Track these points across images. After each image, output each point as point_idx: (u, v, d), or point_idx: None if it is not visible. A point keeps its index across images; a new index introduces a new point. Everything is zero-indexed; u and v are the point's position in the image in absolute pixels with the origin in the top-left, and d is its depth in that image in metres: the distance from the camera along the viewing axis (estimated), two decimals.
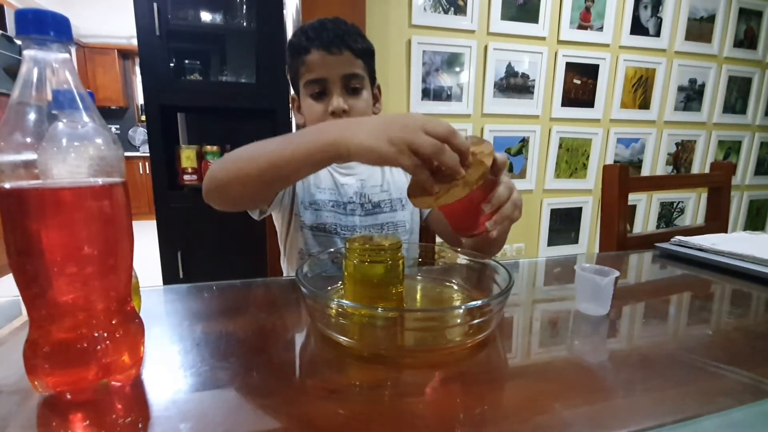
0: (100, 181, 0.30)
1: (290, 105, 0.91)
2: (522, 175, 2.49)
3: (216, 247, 1.99)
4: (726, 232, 0.92)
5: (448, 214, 0.52)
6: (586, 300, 0.47)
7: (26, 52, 0.30)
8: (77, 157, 0.30)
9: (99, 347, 0.31)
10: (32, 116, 0.29)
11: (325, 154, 0.48)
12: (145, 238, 2.08)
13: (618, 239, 0.82)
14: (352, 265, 0.44)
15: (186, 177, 1.93)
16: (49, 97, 0.31)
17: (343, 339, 0.38)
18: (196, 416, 0.30)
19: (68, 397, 0.31)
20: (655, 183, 1.04)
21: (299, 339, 0.43)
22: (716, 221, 0.94)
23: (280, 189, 0.75)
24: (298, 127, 2.04)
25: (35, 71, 0.30)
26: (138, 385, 0.34)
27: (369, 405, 0.32)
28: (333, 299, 0.39)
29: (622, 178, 0.80)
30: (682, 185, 0.95)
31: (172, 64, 1.83)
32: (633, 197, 2.76)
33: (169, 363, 0.38)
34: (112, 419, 0.29)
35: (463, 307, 0.37)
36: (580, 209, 2.68)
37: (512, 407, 0.32)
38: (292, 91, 0.89)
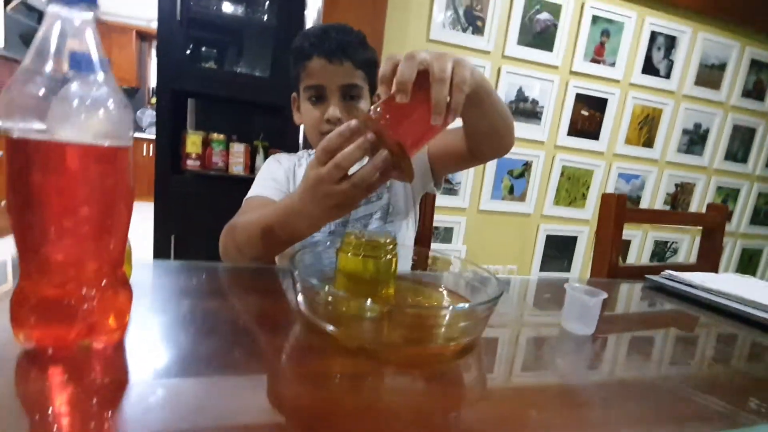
0: (106, 142, 0.30)
1: (291, 104, 0.93)
2: (522, 198, 2.51)
3: (210, 234, 1.97)
4: (716, 273, 0.93)
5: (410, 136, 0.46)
6: (573, 319, 0.47)
7: (50, 8, 0.30)
8: (87, 117, 0.30)
9: (86, 306, 0.31)
10: (47, 72, 0.30)
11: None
12: (141, 219, 2.07)
13: (609, 267, 0.82)
14: (345, 258, 0.44)
15: (189, 162, 1.93)
16: (67, 56, 0.32)
17: (330, 328, 0.38)
18: (172, 386, 0.30)
19: (49, 352, 0.31)
20: (650, 216, 1.05)
21: (285, 325, 0.44)
22: (707, 262, 0.95)
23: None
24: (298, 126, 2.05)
25: (56, 28, 0.30)
26: (119, 350, 0.34)
27: (348, 394, 0.32)
28: (324, 286, 0.39)
29: (620, 207, 0.81)
30: (677, 221, 0.97)
31: (188, 51, 1.85)
32: (628, 233, 2.78)
33: (152, 333, 0.37)
34: (89, 378, 0.29)
35: (450, 307, 0.37)
36: (575, 238, 2.69)
37: (487, 411, 0.32)
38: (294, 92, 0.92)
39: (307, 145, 1.25)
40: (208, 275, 0.55)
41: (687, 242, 2.89)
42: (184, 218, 1.93)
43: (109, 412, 0.26)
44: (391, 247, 0.45)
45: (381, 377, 0.35)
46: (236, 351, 0.36)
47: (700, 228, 2.88)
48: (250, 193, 0.84)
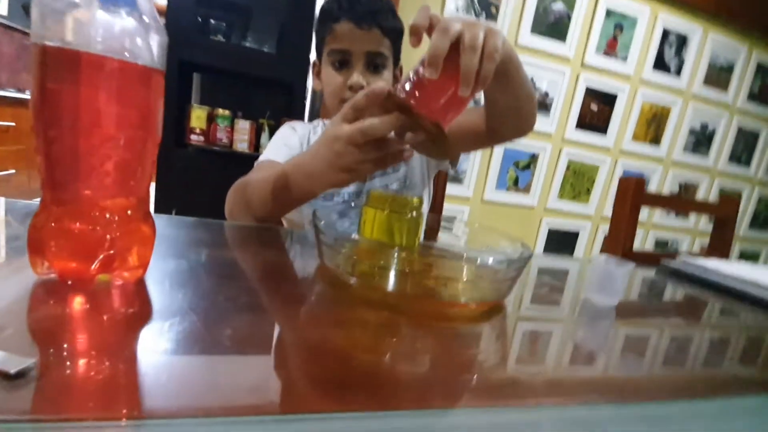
0: (140, 61, 0.28)
1: (311, 69, 0.90)
2: (527, 189, 2.49)
3: (213, 209, 1.96)
4: None
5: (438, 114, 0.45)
6: (599, 289, 0.46)
7: None
8: (122, 35, 0.28)
9: (109, 237, 0.29)
10: None
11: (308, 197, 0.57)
12: None
13: (623, 253, 0.81)
14: (371, 213, 0.43)
15: (193, 137, 1.91)
16: None
17: (353, 280, 0.37)
18: (192, 321, 0.28)
19: (68, 283, 0.29)
20: (666, 202, 1.05)
21: (308, 277, 0.42)
22: (718, 253, 0.94)
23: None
24: (314, 94, 2.03)
25: None
26: (141, 288, 0.32)
27: (373, 340, 0.31)
28: (351, 235, 0.37)
29: (637, 190, 0.80)
30: (691, 209, 0.96)
31: (196, 23, 1.81)
32: None
33: (172, 275, 0.36)
34: (108, 308, 0.28)
35: (478, 260, 0.36)
36: (576, 234, 2.69)
37: (506, 372, 0.31)
38: (313, 56, 0.89)
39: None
40: (224, 231, 0.54)
41: (687, 243, 2.90)
42: (186, 193, 1.90)
43: (126, 349, 0.24)
44: (417, 205, 0.43)
45: (402, 328, 0.34)
46: (259, 296, 0.35)
47: (701, 230, 2.85)
48: (262, 157, 0.83)
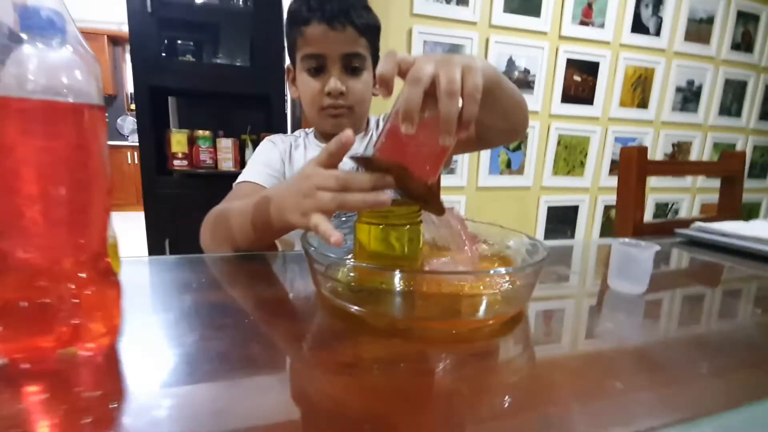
0: (70, 98, 0.24)
1: (286, 76, 0.85)
2: (520, 171, 2.46)
3: None
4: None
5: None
6: (622, 276, 0.42)
7: None
8: (47, 80, 0.24)
9: (64, 307, 0.25)
10: None
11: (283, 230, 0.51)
12: (133, 229, 2.00)
13: (634, 226, 0.78)
14: (365, 229, 0.39)
15: (176, 162, 1.86)
16: (16, 13, 0.26)
17: (354, 308, 0.33)
18: (180, 394, 0.24)
19: (26, 366, 0.25)
20: (671, 168, 1.01)
21: (304, 311, 0.38)
22: (729, 212, 0.91)
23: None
24: (294, 103, 1.97)
25: None
26: (112, 356, 0.28)
27: (389, 380, 0.27)
28: (344, 261, 0.33)
29: (641, 160, 0.76)
30: (698, 171, 0.92)
31: (163, 45, 1.76)
32: None
33: (151, 334, 0.32)
34: (76, 393, 0.24)
35: (492, 271, 0.32)
36: (576, 207, 2.66)
37: (540, 392, 0.27)
38: (287, 61, 0.85)
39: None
40: (206, 268, 0.49)
41: (687, 201, 2.88)
42: (177, 220, 1.85)
43: None
44: (415, 213, 0.39)
45: (419, 359, 0.30)
46: (251, 346, 0.31)
47: (699, 187, 2.81)
48: (240, 177, 0.78)
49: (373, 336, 0.32)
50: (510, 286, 0.33)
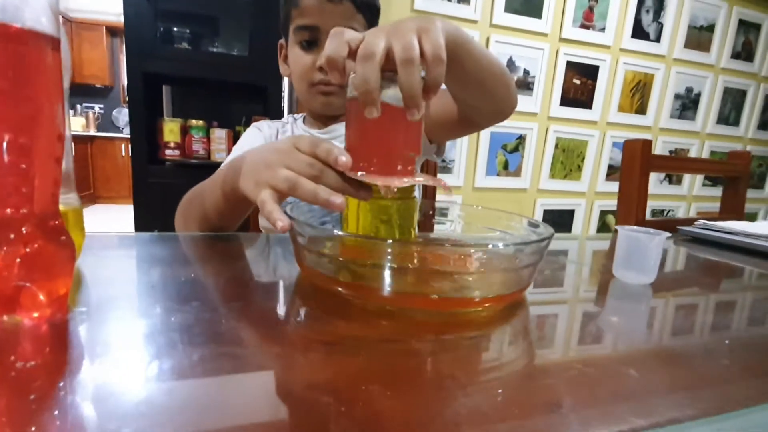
0: (18, 23, 0.21)
1: (278, 52, 0.82)
2: (517, 173, 2.44)
3: None
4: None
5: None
6: (628, 265, 0.40)
7: None
8: None
9: (5, 263, 0.22)
10: None
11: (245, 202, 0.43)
12: (124, 220, 1.95)
13: (636, 223, 0.75)
14: (354, 203, 0.35)
15: (168, 152, 1.82)
16: None
17: (340, 288, 0.30)
18: (137, 370, 0.21)
19: None
20: (676, 164, 0.99)
21: (285, 289, 0.35)
22: (732, 213, 0.89)
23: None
24: (291, 95, 1.94)
25: None
26: (62, 326, 0.25)
27: (372, 361, 0.24)
28: (332, 231, 0.30)
29: (645, 154, 0.74)
30: (702, 170, 0.90)
31: (158, 32, 1.72)
32: None
33: (111, 305, 0.29)
34: (9, 363, 0.20)
35: (491, 245, 0.29)
36: (572, 211, 2.65)
37: (544, 379, 0.24)
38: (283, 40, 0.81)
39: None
40: (184, 244, 0.46)
41: (683, 208, 2.87)
42: (167, 212, 1.81)
43: (49, 413, 0.17)
44: (408, 188, 0.36)
45: (408, 340, 0.27)
46: (219, 322, 0.27)
47: (695, 195, 2.80)
48: (223, 164, 0.75)
49: (359, 316, 0.29)
50: (513, 264, 0.30)
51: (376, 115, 0.31)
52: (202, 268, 0.39)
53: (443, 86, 0.37)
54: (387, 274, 0.28)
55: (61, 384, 0.19)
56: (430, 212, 0.49)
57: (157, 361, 0.22)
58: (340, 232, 0.32)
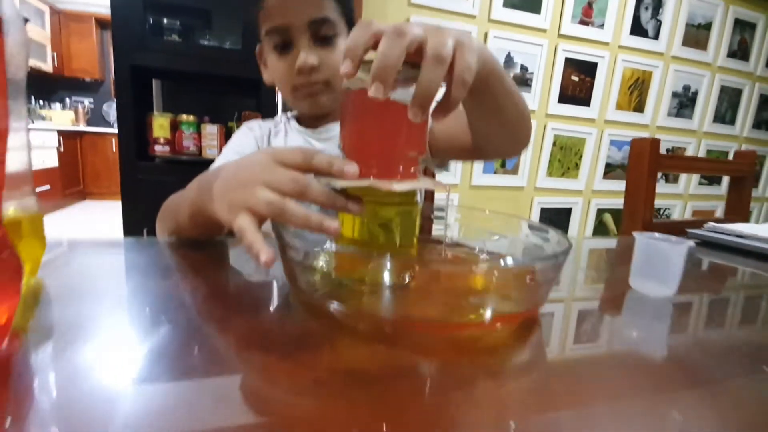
0: None
1: (258, 59, 0.76)
2: (514, 171, 2.42)
3: None
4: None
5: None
6: (647, 276, 0.37)
7: None
8: None
9: None
10: None
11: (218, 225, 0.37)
12: (115, 217, 1.90)
13: (643, 225, 0.73)
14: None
15: (158, 148, 1.77)
16: None
17: (333, 305, 0.27)
18: (93, 407, 0.18)
19: None
20: (684, 164, 0.97)
21: (270, 307, 0.32)
22: (737, 213, 0.86)
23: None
24: (270, 88, 1.89)
25: None
26: (4, 360, 0.21)
27: (370, 399, 0.21)
28: (324, 246, 0.27)
29: (653, 154, 0.71)
30: (708, 170, 0.88)
31: (148, 24, 1.67)
32: (620, 201, 2.73)
33: (70, 331, 0.25)
34: None
35: (502, 262, 0.26)
36: (569, 210, 2.63)
37: (556, 414, 0.21)
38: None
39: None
40: (159, 252, 0.42)
41: (679, 207, 2.87)
42: (157, 210, 1.76)
43: None
44: (410, 193, 0.33)
45: (409, 371, 0.24)
46: (198, 344, 0.24)
47: (691, 193, 2.79)
48: (211, 166, 0.71)
49: (354, 341, 0.26)
50: (528, 281, 0.27)
51: (380, 95, 0.27)
52: (180, 282, 0.35)
53: (460, 108, 0.34)
54: (385, 294, 0.25)
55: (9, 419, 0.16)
56: (431, 215, 0.46)
57: (121, 403, 0.18)
58: (334, 246, 0.29)
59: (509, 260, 0.28)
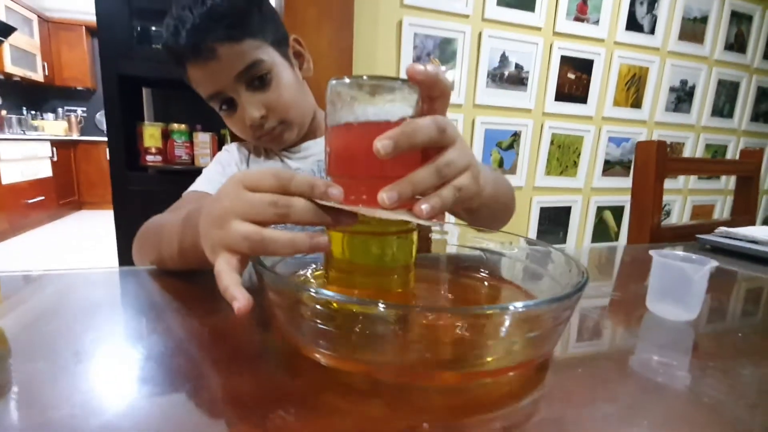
0: None
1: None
2: (512, 170, 2.39)
3: None
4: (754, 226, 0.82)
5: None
6: (666, 298, 0.34)
7: None
8: None
9: None
10: None
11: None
12: (111, 227, 1.87)
13: (651, 230, 0.69)
14: (338, 240, 0.29)
15: (149, 158, 1.73)
16: None
17: (321, 352, 0.24)
18: None
19: None
20: (692, 166, 0.94)
21: (251, 353, 0.28)
22: (745, 214, 0.84)
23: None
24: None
25: None
26: None
27: None
28: (309, 288, 0.24)
29: (660, 157, 0.68)
30: (715, 171, 0.85)
31: (135, 31, 1.63)
32: (620, 198, 2.71)
33: (26, 377, 0.22)
34: None
35: (512, 307, 0.23)
36: (569, 208, 2.61)
37: None
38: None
39: None
40: (128, 283, 0.39)
41: (679, 203, 2.85)
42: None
43: None
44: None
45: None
46: (170, 397, 0.21)
47: (690, 188, 2.76)
48: (191, 187, 0.69)
49: (344, 396, 0.23)
50: (539, 327, 0.23)
51: (382, 153, 0.26)
52: (153, 319, 0.32)
53: None
54: (380, 342, 0.22)
55: None
56: (429, 235, 0.43)
57: None
58: (325, 292, 0.25)
59: (520, 304, 0.25)
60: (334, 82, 0.26)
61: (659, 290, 0.34)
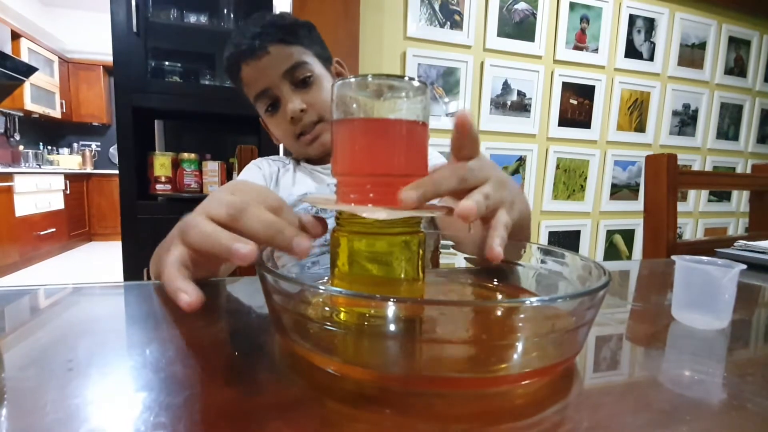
0: None
1: (265, 129, 0.80)
2: None
3: None
4: None
5: None
6: (693, 306, 0.32)
7: None
8: None
9: None
10: None
11: None
12: (116, 256, 1.88)
13: (667, 246, 0.67)
14: (344, 242, 0.28)
15: (159, 186, 1.76)
16: None
17: (330, 361, 0.22)
18: None
19: None
20: (705, 180, 0.92)
21: (253, 363, 0.27)
22: (762, 229, 0.81)
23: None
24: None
25: None
26: None
27: None
28: (316, 287, 0.22)
29: (671, 169, 0.67)
30: (730, 185, 0.84)
31: (150, 67, 1.70)
32: (629, 221, 2.68)
33: (8, 402, 0.21)
34: None
35: (532, 301, 0.21)
36: (578, 232, 2.58)
37: None
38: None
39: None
40: (127, 296, 0.38)
41: (690, 226, 2.80)
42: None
43: None
44: (414, 222, 0.29)
45: None
46: (166, 412, 0.19)
47: (701, 211, 2.72)
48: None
49: (353, 404, 0.21)
50: (562, 329, 0.22)
51: (410, 199, 0.27)
52: (149, 329, 0.31)
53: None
54: (389, 346, 0.21)
55: None
56: (438, 247, 0.42)
57: None
58: (333, 289, 0.24)
59: (544, 298, 0.24)
60: (339, 83, 0.26)
61: (685, 297, 0.32)
